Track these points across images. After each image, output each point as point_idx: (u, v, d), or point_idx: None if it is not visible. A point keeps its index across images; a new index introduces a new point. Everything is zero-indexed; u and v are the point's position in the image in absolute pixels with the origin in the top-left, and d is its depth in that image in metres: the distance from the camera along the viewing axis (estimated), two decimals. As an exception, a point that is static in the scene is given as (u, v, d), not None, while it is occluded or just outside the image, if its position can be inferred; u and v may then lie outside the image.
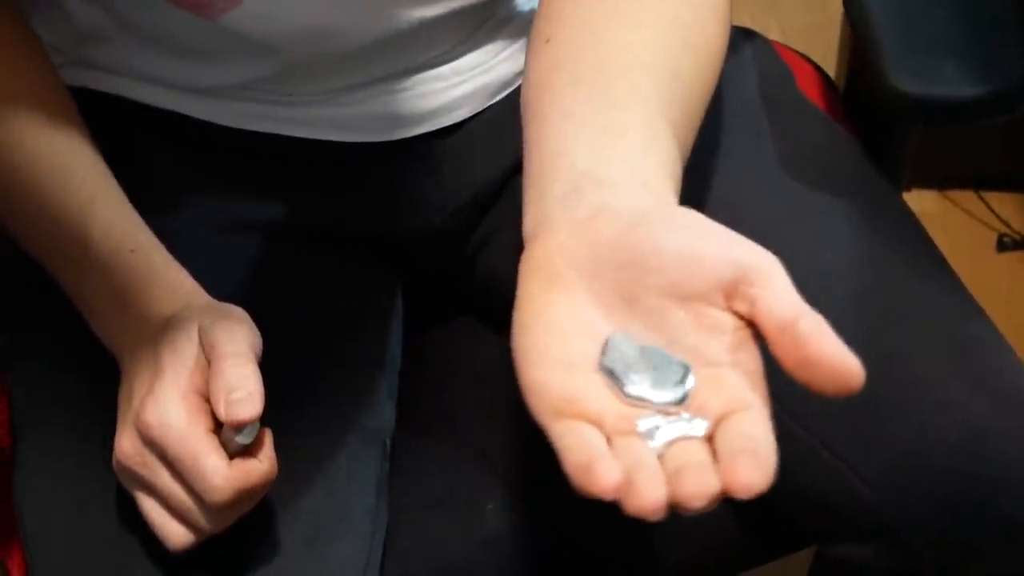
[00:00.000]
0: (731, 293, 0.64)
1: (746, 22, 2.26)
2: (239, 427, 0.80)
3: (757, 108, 1.03)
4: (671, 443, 0.63)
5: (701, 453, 0.62)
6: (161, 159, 1.00)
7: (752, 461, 0.59)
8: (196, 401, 0.82)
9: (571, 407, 0.63)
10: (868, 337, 0.91)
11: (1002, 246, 1.99)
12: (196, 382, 0.82)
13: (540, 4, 0.85)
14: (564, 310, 0.67)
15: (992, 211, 2.01)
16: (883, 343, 0.91)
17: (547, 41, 0.81)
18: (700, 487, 0.59)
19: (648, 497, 0.59)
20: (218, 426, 0.82)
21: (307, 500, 0.91)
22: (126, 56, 0.97)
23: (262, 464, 0.82)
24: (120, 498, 0.87)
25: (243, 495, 0.81)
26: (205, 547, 0.84)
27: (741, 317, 0.65)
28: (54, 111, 0.92)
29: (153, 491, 0.83)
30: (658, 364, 0.65)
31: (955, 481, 0.88)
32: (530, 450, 0.98)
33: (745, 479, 0.59)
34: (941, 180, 2.03)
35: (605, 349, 0.65)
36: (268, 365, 0.83)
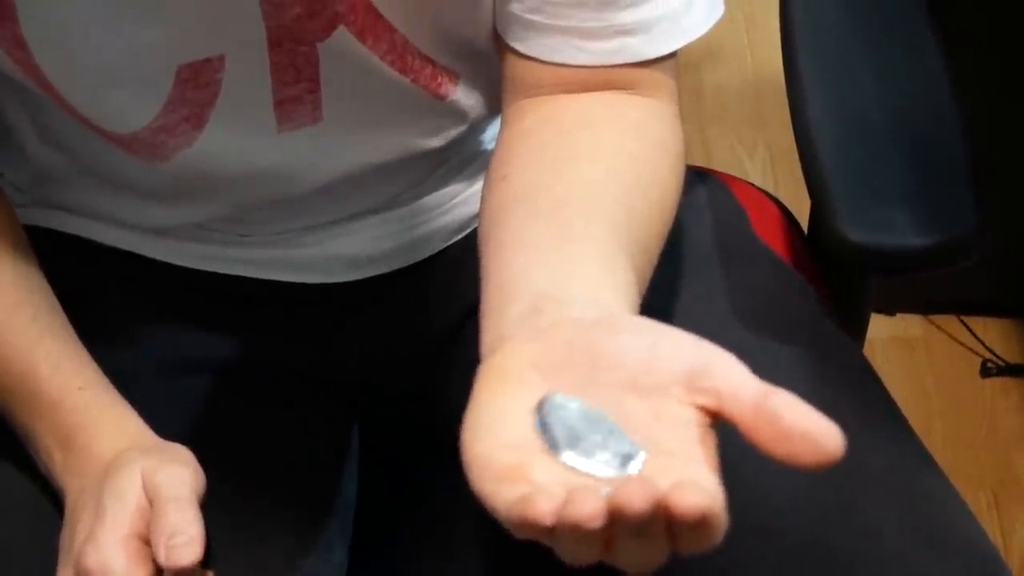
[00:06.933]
0: (692, 387, 0.62)
1: (733, 141, 2.28)
2: (180, 572, 0.80)
3: (709, 258, 1.03)
4: None
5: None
6: (116, 297, 1.01)
7: (695, 489, 0.56)
8: (137, 546, 0.82)
9: (514, 474, 0.61)
10: (821, 489, 0.91)
11: (985, 372, 1.99)
12: (137, 526, 0.82)
13: (496, 146, 0.86)
14: (513, 398, 0.64)
15: (976, 336, 2.01)
16: (836, 495, 0.90)
17: (503, 178, 0.82)
18: (642, 498, 0.56)
19: (588, 506, 0.56)
20: (159, 572, 0.82)
21: None
22: (83, 197, 0.98)
23: None
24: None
25: None
26: None
27: (704, 412, 0.62)
28: (4, 246, 0.92)
29: None
30: (603, 431, 0.62)
31: None
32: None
33: (692, 500, 0.56)
34: (925, 305, 2.03)
35: (541, 406, 0.63)
36: (216, 506, 0.83)
